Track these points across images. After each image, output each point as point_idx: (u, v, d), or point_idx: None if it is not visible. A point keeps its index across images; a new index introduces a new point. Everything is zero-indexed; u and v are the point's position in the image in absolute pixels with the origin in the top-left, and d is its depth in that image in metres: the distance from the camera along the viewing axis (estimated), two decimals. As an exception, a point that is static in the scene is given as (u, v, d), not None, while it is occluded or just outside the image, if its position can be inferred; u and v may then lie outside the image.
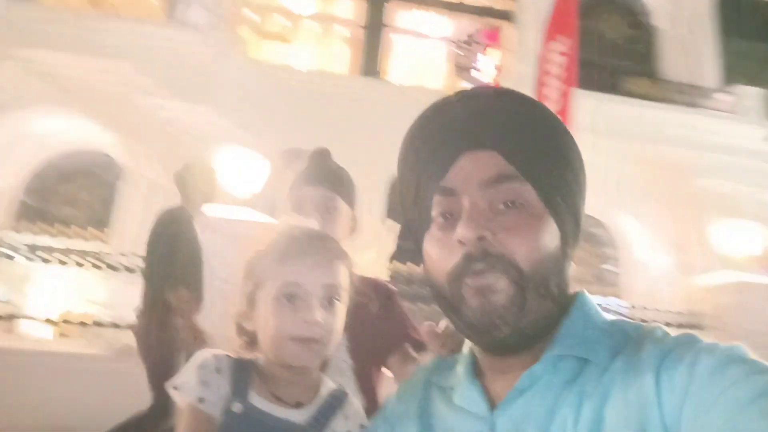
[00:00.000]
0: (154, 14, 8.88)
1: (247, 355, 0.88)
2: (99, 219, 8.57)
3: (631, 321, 0.69)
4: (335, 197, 1.30)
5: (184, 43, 8.36)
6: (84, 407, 4.09)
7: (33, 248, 5.38)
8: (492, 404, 0.67)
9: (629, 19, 11.89)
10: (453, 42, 11.59)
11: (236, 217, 4.79)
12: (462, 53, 11.66)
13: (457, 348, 0.84)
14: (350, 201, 1.33)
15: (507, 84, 9.17)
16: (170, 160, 7.87)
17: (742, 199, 9.40)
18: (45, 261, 5.19)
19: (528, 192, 0.66)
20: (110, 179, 8.93)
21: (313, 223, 0.93)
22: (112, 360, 4.66)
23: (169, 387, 0.83)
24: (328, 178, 1.31)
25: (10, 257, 5.31)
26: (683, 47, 11.35)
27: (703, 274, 6.54)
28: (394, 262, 5.24)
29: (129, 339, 5.12)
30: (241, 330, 0.90)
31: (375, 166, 8.15)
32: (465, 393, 0.70)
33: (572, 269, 0.71)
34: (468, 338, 0.72)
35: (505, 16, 11.32)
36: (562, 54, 5.02)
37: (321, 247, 0.87)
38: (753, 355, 0.54)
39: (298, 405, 0.83)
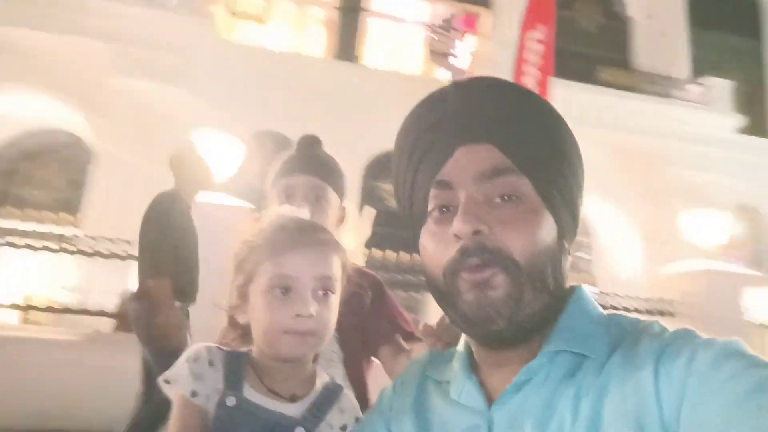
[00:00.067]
0: (127, -7, 8.62)
1: (240, 348, 0.87)
2: (68, 202, 8.37)
3: (628, 315, 0.69)
4: (325, 186, 1.27)
5: (158, 22, 8.16)
6: (51, 394, 4.02)
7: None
8: (489, 399, 0.67)
9: (604, 8, 11.99)
10: (430, 27, 11.55)
11: (211, 201, 4.72)
12: (439, 39, 11.64)
13: (452, 342, 0.84)
14: (340, 191, 1.31)
15: (483, 72, 9.20)
16: (143, 142, 7.75)
17: (710, 188, 9.64)
18: (12, 246, 5.05)
19: (524, 185, 0.65)
20: (80, 161, 8.72)
21: (304, 213, 0.91)
22: (81, 346, 4.57)
23: (160, 381, 0.81)
24: (318, 166, 1.29)
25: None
26: (656, 38, 11.52)
27: (672, 262, 6.68)
28: (373, 249, 5.25)
29: (99, 325, 5.06)
30: (233, 323, 0.88)
31: (350, 150, 8.12)
32: (461, 387, 0.70)
33: (569, 263, 0.71)
34: (463, 331, 0.71)
35: (482, 2, 11.32)
36: (540, 42, 5.04)
37: (313, 238, 0.85)
38: (750, 350, 0.55)
39: (293, 398, 0.82)
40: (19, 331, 5.17)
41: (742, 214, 10.20)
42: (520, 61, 4.75)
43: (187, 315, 3.10)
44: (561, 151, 0.69)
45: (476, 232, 0.62)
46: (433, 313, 5.16)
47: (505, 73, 6.14)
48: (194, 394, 0.79)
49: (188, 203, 3.16)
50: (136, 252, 5.14)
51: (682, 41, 11.58)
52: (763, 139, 11.67)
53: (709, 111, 10.53)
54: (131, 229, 5.20)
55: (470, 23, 11.80)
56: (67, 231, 5.56)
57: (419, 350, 1.01)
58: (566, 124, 0.71)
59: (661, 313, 5.75)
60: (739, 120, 10.74)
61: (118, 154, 7.72)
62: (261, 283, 0.82)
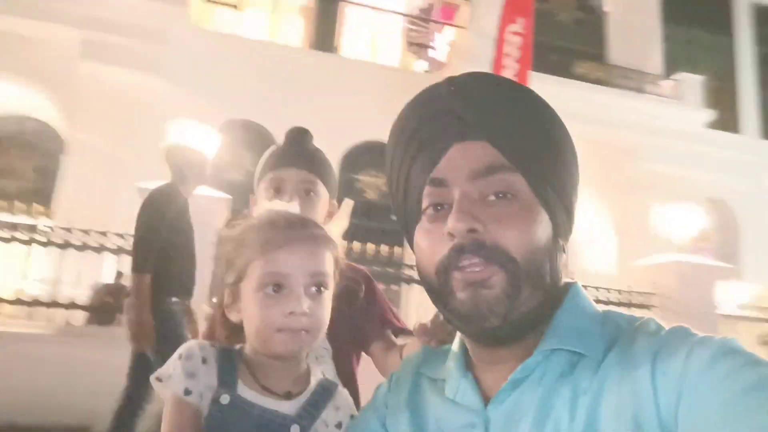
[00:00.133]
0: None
1: (233, 345, 0.86)
2: (39, 192, 8.16)
3: (623, 313, 0.69)
4: (316, 180, 1.25)
5: (131, 8, 7.97)
6: (24, 389, 3.93)
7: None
8: (484, 396, 0.67)
9: (579, 2, 12.10)
10: (409, 18, 11.51)
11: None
12: (418, 30, 11.62)
13: (446, 339, 0.83)
14: (330, 185, 1.29)
15: (462, 64, 9.21)
16: (115, 130, 7.60)
17: (681, 182, 9.84)
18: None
19: (519, 182, 0.65)
20: (51, 150, 8.50)
21: (294, 207, 0.89)
22: (53, 340, 4.48)
23: (153, 379, 0.80)
24: (309, 159, 1.26)
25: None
26: (630, 33, 11.66)
27: (643, 254, 6.81)
28: (354, 241, 5.24)
29: (71, 317, 4.97)
30: (225, 321, 0.86)
31: (327, 141, 8.01)
32: (457, 386, 0.70)
33: (564, 260, 0.71)
34: (458, 329, 0.71)
35: (461, -7, 11.31)
36: (519, 35, 5.06)
37: (304, 233, 0.84)
38: (747, 348, 0.55)
39: (287, 396, 0.81)
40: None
41: (712, 207, 10.44)
42: (500, 55, 4.76)
43: (185, 311, 3.06)
44: (556, 147, 0.69)
45: (471, 230, 0.62)
46: (412, 306, 5.18)
47: (484, 66, 6.15)
48: (187, 392, 0.77)
49: (185, 198, 3.11)
50: (109, 243, 5.07)
51: (656, 36, 11.76)
52: (733, 134, 11.96)
53: (681, 106, 10.73)
54: (105, 220, 5.12)
55: (449, 14, 11.80)
56: (38, 221, 5.42)
57: (412, 347, 1.01)
58: (561, 121, 0.71)
59: (635, 306, 5.86)
60: (710, 115, 10.96)
61: (90, 142, 7.55)
62: (252, 280, 0.81)
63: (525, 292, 0.63)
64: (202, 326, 2.87)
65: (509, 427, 0.62)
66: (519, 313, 0.63)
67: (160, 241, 2.91)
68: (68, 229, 5.00)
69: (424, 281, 0.70)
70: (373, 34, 11.24)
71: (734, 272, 6.79)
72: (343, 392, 0.88)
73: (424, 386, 0.76)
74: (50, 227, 5.23)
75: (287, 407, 0.80)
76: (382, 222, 9.57)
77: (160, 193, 3.04)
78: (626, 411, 0.55)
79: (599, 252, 10.12)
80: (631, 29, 11.68)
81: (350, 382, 1.19)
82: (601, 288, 6.03)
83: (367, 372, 1.29)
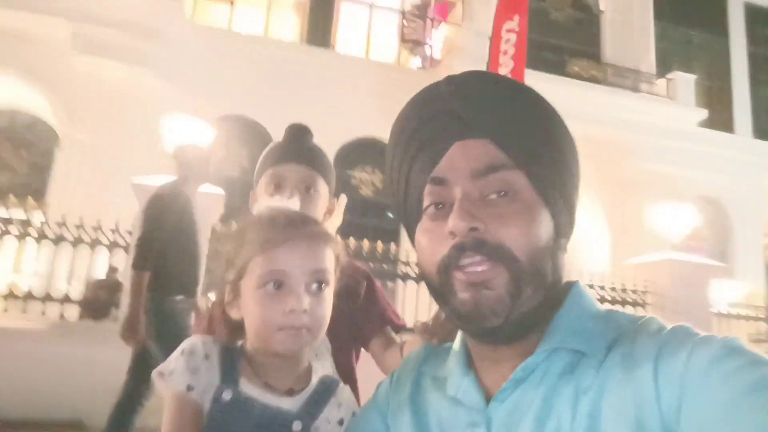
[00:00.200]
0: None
1: (233, 342, 0.86)
2: (33, 186, 8.11)
3: (625, 312, 0.69)
4: (316, 177, 1.24)
5: (124, 1, 7.91)
6: (16, 384, 3.91)
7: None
8: (486, 395, 0.67)
9: (574, 0, 12.11)
10: (404, 14, 11.48)
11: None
12: (413, 27, 11.59)
13: (448, 337, 0.83)
14: (330, 182, 1.29)
15: (457, 61, 9.22)
16: (109, 125, 7.55)
17: (674, 180, 9.87)
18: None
19: (520, 181, 0.65)
20: (45, 144, 8.44)
21: (294, 204, 0.89)
22: (46, 335, 4.46)
23: (154, 374, 0.79)
24: (309, 156, 1.26)
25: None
26: (625, 32, 11.68)
27: (637, 252, 6.82)
28: (350, 238, 5.24)
29: (64, 312, 4.94)
30: (226, 318, 0.86)
31: (321, 137, 8.00)
32: (459, 384, 0.70)
33: (565, 259, 0.71)
34: (459, 327, 0.71)
35: (457, -9, 11.29)
36: (514, 32, 5.04)
37: (305, 230, 0.83)
38: (749, 347, 0.55)
39: (289, 392, 0.81)
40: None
41: (705, 205, 10.49)
42: (496, 52, 4.74)
43: (191, 309, 3.06)
44: (557, 145, 0.69)
45: (472, 230, 0.62)
46: (408, 303, 5.19)
47: (479, 62, 6.14)
48: (190, 388, 0.77)
49: (189, 196, 3.12)
50: (103, 238, 5.04)
51: (650, 35, 11.79)
52: (726, 134, 12.01)
53: (674, 104, 10.76)
54: (98, 215, 5.10)
55: (444, 11, 11.78)
56: (31, 216, 5.38)
57: (413, 344, 1.01)
58: (561, 119, 0.71)
59: (629, 304, 5.88)
60: (703, 114, 11.01)
61: (83, 137, 7.51)
62: (253, 278, 0.81)
63: (527, 292, 0.63)
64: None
65: (511, 426, 0.62)
66: (520, 313, 0.63)
67: (163, 240, 2.92)
68: (62, 224, 4.97)
69: (425, 280, 0.70)
70: (368, 30, 11.22)
71: (727, 271, 6.81)
72: (344, 389, 0.88)
73: (425, 384, 0.76)
74: (44, 222, 5.20)
75: (289, 404, 0.80)
76: (377, 219, 9.58)
77: (165, 191, 3.06)
78: (628, 410, 0.55)
79: (593, 250, 10.15)
80: (625, 28, 11.71)
81: (350, 379, 1.19)
82: (595, 286, 6.05)
83: (365, 369, 1.30)
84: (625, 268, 6.74)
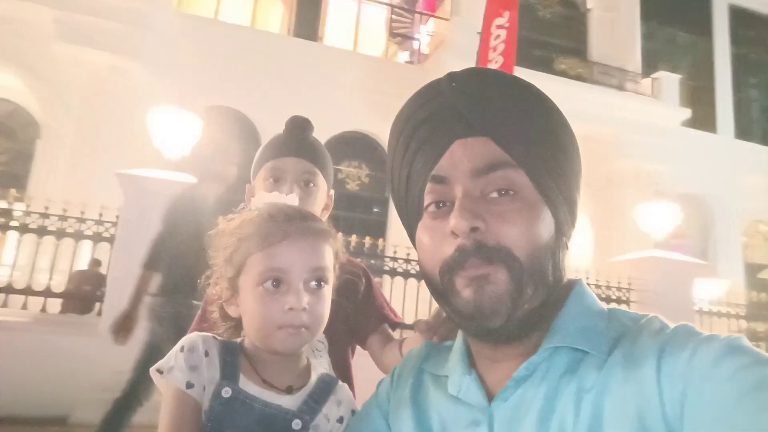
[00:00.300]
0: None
1: (232, 338, 0.85)
2: (13, 176, 7.96)
3: (628, 311, 0.69)
4: (316, 171, 1.23)
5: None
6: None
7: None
8: (488, 394, 0.67)
9: (562, -2, 12.16)
10: (392, 8, 11.45)
11: (164, 178, 4.58)
12: (401, 21, 11.57)
13: (449, 335, 0.83)
14: (328, 178, 1.28)
15: (445, 55, 9.21)
16: (93, 114, 7.44)
17: (658, 178, 9.98)
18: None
19: (521, 179, 0.65)
20: (26, 133, 8.29)
21: (293, 199, 0.88)
22: (27, 328, 4.39)
23: (153, 371, 0.78)
24: (310, 149, 1.24)
25: None
26: (611, 30, 11.76)
27: (620, 249, 6.89)
28: (338, 233, 5.23)
29: (46, 305, 4.86)
30: (224, 316, 0.85)
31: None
32: (460, 383, 0.69)
33: (567, 258, 0.71)
34: (460, 327, 0.71)
35: (445, -15, 11.28)
36: (504, 28, 5.06)
37: (304, 227, 0.82)
38: (752, 346, 0.55)
39: (288, 390, 0.81)
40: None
41: (688, 204, 10.64)
42: (485, 48, 4.76)
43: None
44: (558, 143, 0.68)
45: (473, 229, 0.62)
46: (395, 298, 5.19)
47: (468, 58, 6.15)
48: (189, 385, 0.76)
49: (208, 198, 3.10)
50: (87, 230, 4.97)
51: (636, 34, 11.89)
52: (709, 133, 12.18)
53: (659, 104, 10.88)
54: (82, 206, 5.03)
55: (432, 6, 11.77)
56: (11, 206, 5.29)
57: (413, 342, 1.00)
58: (563, 116, 0.71)
59: (614, 301, 5.94)
60: (686, 113, 11.14)
61: (66, 125, 7.39)
62: (251, 275, 0.80)
63: (528, 291, 0.63)
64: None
65: (514, 424, 0.62)
66: (522, 312, 0.63)
67: (178, 244, 2.93)
68: (45, 215, 4.89)
69: (426, 279, 0.69)
70: (356, 23, 11.16)
71: (710, 269, 6.91)
72: (344, 387, 0.87)
73: (426, 382, 0.75)
74: (25, 212, 5.11)
75: (289, 402, 0.79)
76: (365, 213, 9.57)
77: (187, 195, 3.09)
78: (631, 409, 0.55)
79: (576, 247, 10.24)
80: (612, 27, 11.79)
81: (346, 376, 1.19)
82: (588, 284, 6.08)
83: (362, 365, 1.29)
84: (609, 265, 6.82)
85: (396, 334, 1.27)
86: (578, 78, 10.74)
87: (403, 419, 0.73)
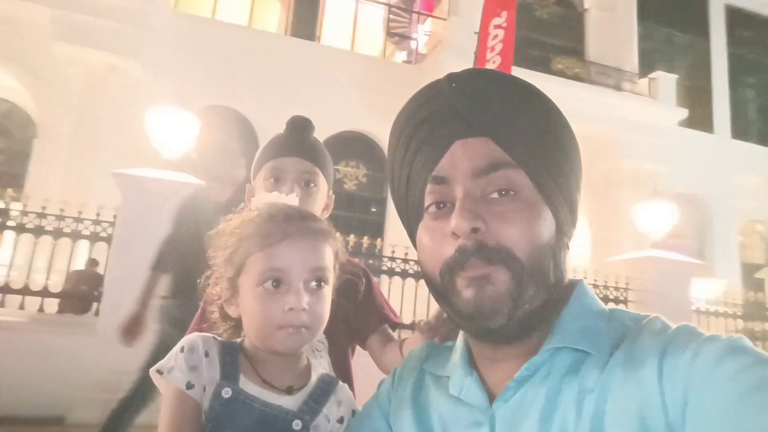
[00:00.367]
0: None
1: (231, 338, 0.85)
2: (11, 176, 7.93)
3: (629, 311, 0.69)
4: (317, 171, 1.23)
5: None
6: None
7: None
8: (489, 394, 0.67)
9: (559, -2, 12.17)
10: (390, 7, 11.44)
11: (162, 178, 4.57)
12: (399, 20, 11.56)
13: (450, 336, 0.83)
14: (329, 178, 1.28)
15: (443, 55, 9.21)
16: (90, 114, 7.42)
17: (655, 178, 9.99)
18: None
19: (522, 179, 0.65)
20: (23, 133, 8.27)
21: (293, 199, 0.88)
22: (25, 328, 4.38)
23: (153, 371, 0.78)
24: (310, 149, 1.24)
25: None
26: (608, 30, 11.77)
27: (618, 249, 6.90)
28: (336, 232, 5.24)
29: (43, 305, 4.85)
30: (224, 316, 0.85)
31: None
32: (461, 383, 0.69)
33: (568, 258, 0.71)
34: (460, 327, 0.71)
35: (443, -15, 11.28)
36: (501, 28, 5.05)
37: (304, 227, 0.82)
38: (754, 346, 0.55)
39: (288, 390, 0.80)
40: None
41: (684, 203, 10.66)
42: (483, 48, 4.75)
43: None
44: (559, 143, 0.68)
45: (474, 230, 0.62)
46: (393, 297, 5.19)
47: (466, 57, 6.16)
48: (189, 386, 0.76)
49: (216, 201, 3.10)
50: (84, 229, 4.96)
51: (633, 35, 11.91)
52: (706, 133, 12.20)
53: (656, 104, 10.89)
54: (79, 206, 5.01)
55: (429, 6, 11.77)
56: (8, 205, 5.28)
57: (413, 342, 1.00)
58: (564, 116, 0.71)
59: (612, 301, 5.94)
60: (683, 113, 11.16)
61: (63, 124, 7.37)
62: (251, 275, 0.80)
63: (529, 291, 0.63)
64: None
65: (515, 425, 0.62)
66: (523, 312, 0.63)
67: (187, 247, 2.90)
68: (42, 215, 4.88)
69: (426, 279, 0.69)
70: (353, 23, 11.16)
71: (707, 269, 6.92)
72: (344, 387, 0.87)
73: (427, 383, 0.75)
74: (23, 212, 5.10)
75: (289, 402, 0.79)
76: (363, 213, 9.57)
77: (192, 198, 3.09)
78: (632, 410, 0.55)
79: (574, 247, 10.25)
80: (609, 27, 11.81)
81: (346, 376, 1.19)
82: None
83: (362, 365, 1.29)
84: (606, 264, 6.83)
85: (394, 335, 1.27)
86: (575, 78, 10.75)
87: (403, 420, 0.73)
